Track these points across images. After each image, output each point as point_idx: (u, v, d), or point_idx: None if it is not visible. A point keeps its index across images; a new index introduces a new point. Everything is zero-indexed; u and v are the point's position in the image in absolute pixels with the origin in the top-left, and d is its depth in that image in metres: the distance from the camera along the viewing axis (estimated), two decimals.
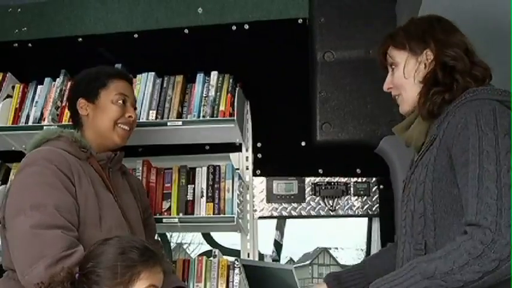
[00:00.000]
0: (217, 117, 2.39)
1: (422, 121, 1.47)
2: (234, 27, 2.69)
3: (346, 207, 2.58)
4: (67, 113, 2.47)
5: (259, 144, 2.62)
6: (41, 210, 1.53)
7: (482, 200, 1.21)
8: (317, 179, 2.59)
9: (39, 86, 2.57)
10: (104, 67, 1.94)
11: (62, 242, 1.49)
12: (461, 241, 1.21)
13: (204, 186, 2.45)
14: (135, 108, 1.91)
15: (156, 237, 2.15)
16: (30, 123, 2.47)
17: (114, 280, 1.34)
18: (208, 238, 4.45)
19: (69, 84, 2.54)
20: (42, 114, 2.49)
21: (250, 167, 2.59)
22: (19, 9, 2.84)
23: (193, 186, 2.46)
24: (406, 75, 1.49)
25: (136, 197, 1.93)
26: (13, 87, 2.60)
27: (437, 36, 1.46)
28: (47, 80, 2.57)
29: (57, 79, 2.56)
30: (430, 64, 1.46)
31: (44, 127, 2.37)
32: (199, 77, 2.50)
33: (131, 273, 1.36)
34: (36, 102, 2.52)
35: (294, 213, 2.59)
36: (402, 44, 1.50)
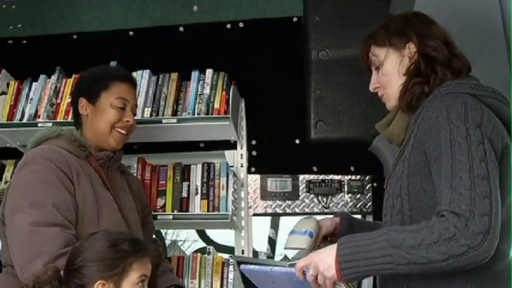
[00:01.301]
0: (212, 114, 2.40)
1: (402, 116, 1.47)
2: (228, 26, 2.70)
3: (340, 205, 2.59)
4: (62, 110, 2.47)
5: (253, 142, 2.63)
6: (39, 207, 1.54)
7: (456, 190, 1.21)
8: (311, 177, 2.60)
9: (34, 83, 2.56)
10: (110, 68, 1.94)
11: (60, 239, 1.50)
12: (435, 221, 1.21)
13: (199, 183, 2.46)
14: (135, 114, 1.91)
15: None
16: (25, 120, 2.48)
17: (107, 272, 1.36)
18: (202, 235, 4.47)
19: (64, 81, 2.54)
20: (37, 111, 2.49)
21: (245, 165, 2.60)
22: (13, 6, 2.84)
23: (188, 183, 2.47)
24: (390, 71, 1.49)
25: (134, 196, 1.93)
26: (8, 84, 2.60)
27: (417, 28, 1.47)
28: (41, 77, 2.57)
29: (52, 76, 2.55)
30: (413, 56, 1.46)
31: (39, 124, 2.38)
32: (194, 74, 2.51)
33: (124, 264, 1.38)
34: (31, 99, 2.52)
35: (288, 210, 2.60)
36: (383, 40, 1.50)
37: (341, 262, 1.27)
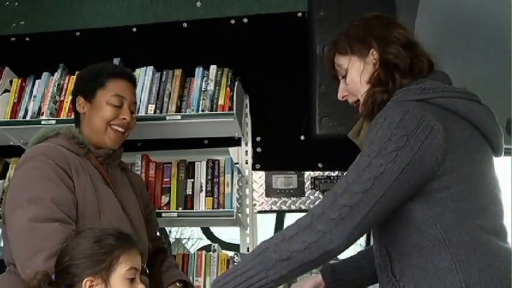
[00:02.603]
0: (216, 111, 2.38)
1: (368, 125, 1.47)
2: (232, 21, 2.68)
3: None
4: (65, 108, 2.47)
5: (258, 139, 2.61)
6: (38, 203, 1.53)
7: (338, 183, 1.29)
8: (316, 173, 2.58)
9: (37, 80, 2.55)
10: (108, 65, 1.93)
11: (60, 234, 1.49)
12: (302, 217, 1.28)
13: (203, 180, 2.44)
14: (133, 112, 1.88)
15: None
16: (28, 118, 2.46)
17: (94, 268, 1.34)
18: (207, 233, 4.45)
19: (67, 78, 2.53)
20: (40, 108, 2.47)
21: (250, 161, 2.58)
22: (16, 3, 2.83)
23: (192, 180, 2.46)
24: (354, 79, 1.48)
25: (136, 192, 1.92)
26: (11, 82, 2.59)
27: (378, 33, 1.46)
28: (45, 74, 2.55)
29: (55, 73, 2.54)
30: (376, 63, 1.45)
31: (42, 121, 2.37)
32: (198, 71, 2.49)
33: (110, 258, 1.36)
34: (34, 96, 2.51)
35: (293, 207, 2.58)
36: (345, 49, 1.50)
37: None
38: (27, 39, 2.80)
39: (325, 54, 1.57)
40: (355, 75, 1.48)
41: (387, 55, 1.43)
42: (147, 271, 1.77)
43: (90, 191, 1.66)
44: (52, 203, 1.54)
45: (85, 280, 1.34)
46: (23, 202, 1.54)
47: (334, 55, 1.53)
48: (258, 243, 1.35)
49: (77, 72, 2.44)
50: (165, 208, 2.41)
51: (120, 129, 1.82)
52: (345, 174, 1.30)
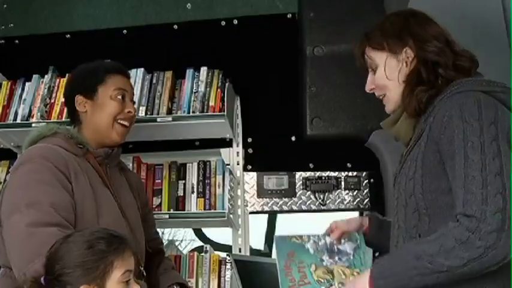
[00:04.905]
0: (207, 112, 2.39)
1: (408, 119, 1.46)
2: (223, 23, 2.69)
3: (337, 202, 2.59)
4: (56, 110, 2.46)
5: (249, 140, 2.62)
6: (36, 208, 1.51)
7: (468, 190, 1.22)
8: (308, 174, 2.59)
9: (27, 83, 2.55)
10: (101, 62, 1.91)
11: None
12: (451, 227, 1.23)
13: (195, 181, 2.45)
14: (134, 103, 1.88)
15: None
16: (18, 121, 2.46)
17: (88, 276, 1.31)
18: (199, 234, 4.45)
19: (57, 81, 2.52)
20: (30, 111, 2.47)
21: (241, 162, 2.59)
22: (5, 6, 2.82)
23: (183, 182, 2.46)
24: (388, 77, 1.46)
25: (134, 193, 1.90)
26: (0, 85, 2.58)
27: (415, 31, 1.44)
28: (35, 76, 2.55)
29: (46, 76, 2.53)
30: (411, 62, 1.43)
31: (33, 124, 2.36)
32: (189, 72, 2.49)
33: (104, 265, 1.32)
34: (25, 99, 2.50)
35: (285, 207, 2.59)
36: (380, 44, 1.47)
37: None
38: (17, 41, 2.79)
39: (355, 47, 1.54)
40: (389, 73, 1.45)
41: (426, 53, 1.41)
42: (144, 274, 1.76)
43: (88, 194, 1.64)
44: (50, 207, 1.52)
45: None
46: (20, 206, 1.52)
47: (365, 47, 1.51)
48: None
49: (67, 75, 2.47)
50: (156, 210, 2.41)
51: (126, 123, 1.80)
52: (454, 181, 1.27)
